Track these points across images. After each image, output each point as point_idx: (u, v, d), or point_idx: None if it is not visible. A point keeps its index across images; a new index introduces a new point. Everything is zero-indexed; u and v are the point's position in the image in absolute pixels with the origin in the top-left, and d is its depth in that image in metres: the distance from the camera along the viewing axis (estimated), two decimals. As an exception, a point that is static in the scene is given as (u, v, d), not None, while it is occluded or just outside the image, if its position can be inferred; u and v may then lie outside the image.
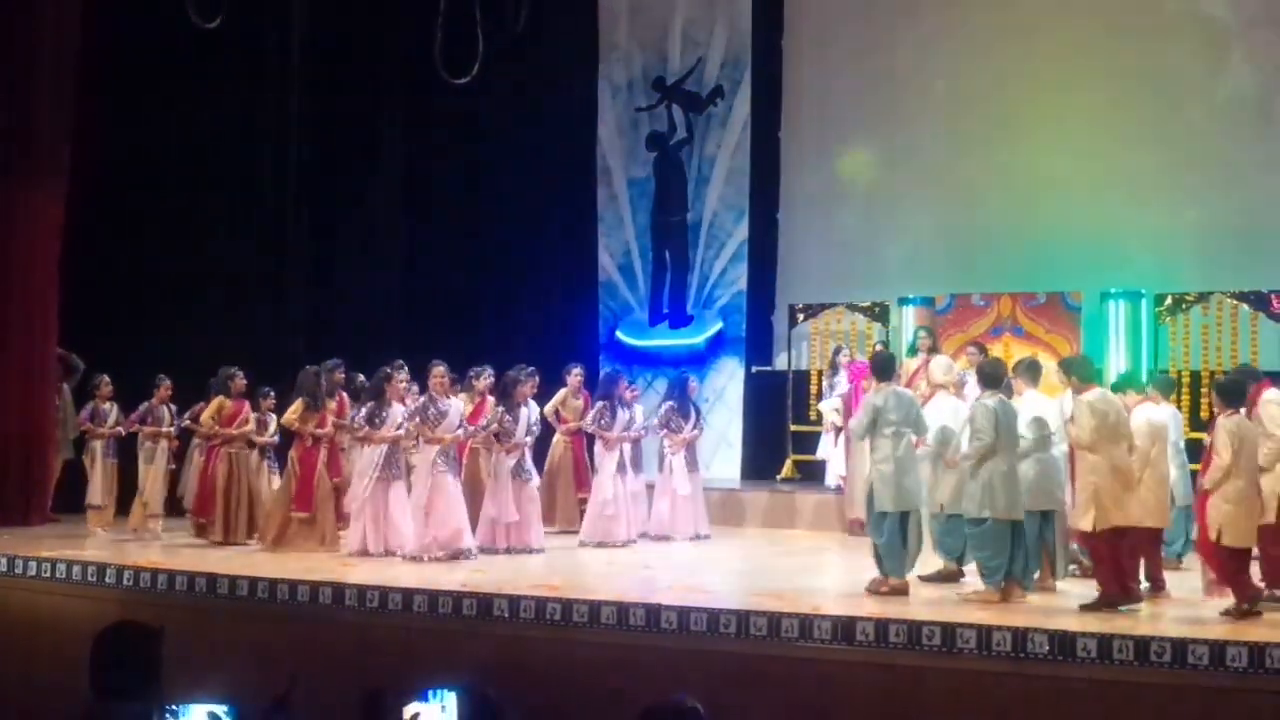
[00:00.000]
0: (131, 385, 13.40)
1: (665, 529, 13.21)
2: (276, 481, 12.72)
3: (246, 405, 12.78)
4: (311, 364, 12.72)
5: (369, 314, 17.09)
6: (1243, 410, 9.04)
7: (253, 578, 10.09)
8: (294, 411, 12.25)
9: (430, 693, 4.04)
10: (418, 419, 11.50)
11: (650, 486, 13.51)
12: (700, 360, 16.95)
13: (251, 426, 12.71)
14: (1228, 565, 8.80)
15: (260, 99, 16.58)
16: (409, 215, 17.66)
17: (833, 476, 14.44)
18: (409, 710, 4.17)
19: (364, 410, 11.91)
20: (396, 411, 11.74)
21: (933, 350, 12.81)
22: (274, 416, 12.75)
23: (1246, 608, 8.58)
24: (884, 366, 10.35)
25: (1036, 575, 9.75)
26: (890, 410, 9.75)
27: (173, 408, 13.22)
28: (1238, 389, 9.13)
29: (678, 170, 17.74)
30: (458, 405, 11.80)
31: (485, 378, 12.86)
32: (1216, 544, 8.78)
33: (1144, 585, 9.43)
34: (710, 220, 17.43)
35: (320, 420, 12.22)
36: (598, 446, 13.14)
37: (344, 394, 12.68)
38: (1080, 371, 9.72)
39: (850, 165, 16.64)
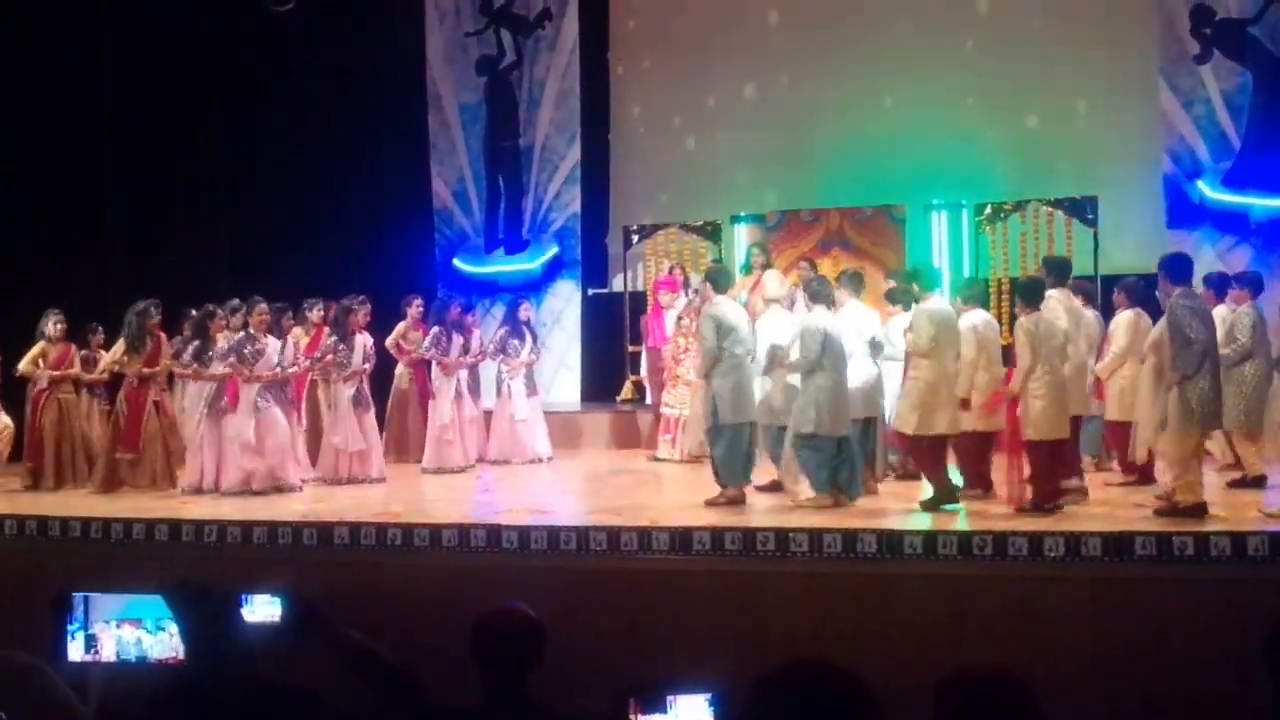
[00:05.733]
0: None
1: (505, 453, 13.30)
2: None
3: (71, 348, 12.48)
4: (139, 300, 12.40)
5: (199, 251, 16.73)
6: (1042, 308, 9.27)
7: (85, 519, 9.92)
8: (113, 356, 12.02)
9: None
10: (233, 357, 11.34)
11: (489, 412, 13.56)
12: (537, 285, 16.96)
13: (76, 370, 12.46)
14: (1037, 460, 9.04)
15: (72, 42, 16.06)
16: (236, 150, 17.24)
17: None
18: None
19: (190, 348, 11.74)
20: (222, 346, 11.55)
21: (766, 266, 12.96)
22: (103, 353, 12.50)
23: (1046, 507, 8.82)
24: (724, 278, 10.44)
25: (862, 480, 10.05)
26: (733, 322, 9.89)
27: None
28: (1035, 288, 9.41)
29: (508, 95, 17.62)
30: (275, 343, 11.60)
31: (319, 309, 12.89)
32: (1029, 440, 9.06)
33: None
34: (543, 144, 17.37)
35: (150, 358, 11.95)
36: (435, 373, 13.12)
37: (161, 332, 12.31)
38: (922, 280, 9.96)
39: None
